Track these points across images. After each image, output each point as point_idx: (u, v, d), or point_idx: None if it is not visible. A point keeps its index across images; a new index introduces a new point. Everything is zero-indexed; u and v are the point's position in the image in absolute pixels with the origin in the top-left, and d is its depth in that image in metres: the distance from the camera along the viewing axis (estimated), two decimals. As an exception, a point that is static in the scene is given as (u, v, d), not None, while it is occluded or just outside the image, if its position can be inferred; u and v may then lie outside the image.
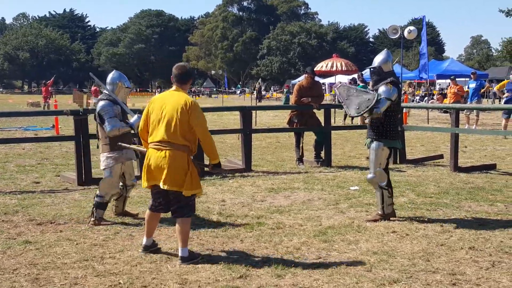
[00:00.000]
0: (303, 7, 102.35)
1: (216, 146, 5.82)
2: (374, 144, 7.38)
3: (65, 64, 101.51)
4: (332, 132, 12.73)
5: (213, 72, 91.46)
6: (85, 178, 9.87)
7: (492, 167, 11.47)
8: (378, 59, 7.51)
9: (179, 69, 5.82)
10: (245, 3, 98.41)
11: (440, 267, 5.41)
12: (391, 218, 7.31)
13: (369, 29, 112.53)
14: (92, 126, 8.44)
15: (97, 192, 7.26)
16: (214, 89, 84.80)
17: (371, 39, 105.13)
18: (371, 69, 7.59)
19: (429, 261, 5.61)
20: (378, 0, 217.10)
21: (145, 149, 6.08)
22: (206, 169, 6.20)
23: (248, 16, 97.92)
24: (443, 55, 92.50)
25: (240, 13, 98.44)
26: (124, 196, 7.56)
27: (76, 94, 48.69)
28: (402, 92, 27.91)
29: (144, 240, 5.97)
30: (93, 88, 45.13)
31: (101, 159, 7.31)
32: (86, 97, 42.25)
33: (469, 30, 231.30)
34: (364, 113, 7.28)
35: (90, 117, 10.63)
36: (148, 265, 5.54)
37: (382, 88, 7.27)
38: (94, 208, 7.20)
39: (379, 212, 7.35)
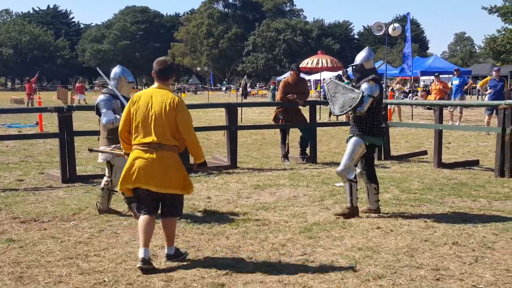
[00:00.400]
0: (288, 4, 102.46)
1: (200, 144, 5.70)
2: (353, 139, 7.45)
3: (49, 61, 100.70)
4: (318, 128, 12.77)
5: (198, 68, 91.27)
6: (70, 175, 9.83)
7: (475, 163, 11.57)
8: (360, 57, 7.60)
9: (160, 64, 5.52)
10: (230, 0, 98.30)
11: (424, 263, 5.45)
12: (376, 214, 7.38)
13: (354, 26, 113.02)
14: (77, 123, 8.41)
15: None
16: (200, 86, 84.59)
17: (356, 36, 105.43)
18: (353, 67, 7.69)
19: (413, 256, 5.65)
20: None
21: (121, 152, 5.96)
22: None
23: (234, 13, 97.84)
24: (427, 52, 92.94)
25: (226, 9, 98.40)
26: (110, 192, 7.49)
27: (60, 91, 48.37)
28: (391, 88, 28.04)
29: (141, 252, 5.29)
30: (77, 84, 44.92)
31: (100, 153, 7.29)
32: (70, 94, 42.06)
33: (453, 27, 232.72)
34: (347, 112, 7.39)
35: (75, 114, 10.61)
36: (133, 262, 5.51)
37: (364, 86, 7.36)
38: (129, 206, 7.08)
39: (348, 205, 7.35)
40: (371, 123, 7.40)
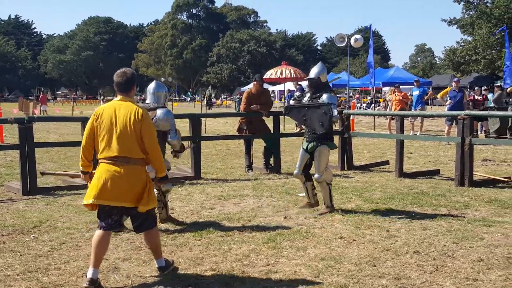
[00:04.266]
0: (253, 15, 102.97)
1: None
2: (321, 147, 8.10)
3: (10, 71, 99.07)
4: (281, 139, 12.82)
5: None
6: (30, 187, 9.67)
7: (436, 172, 11.75)
8: (315, 71, 8.41)
9: (120, 77, 5.37)
10: (194, 11, 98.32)
11: (386, 272, 5.51)
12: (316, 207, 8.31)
13: (317, 37, 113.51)
14: (38, 134, 8.28)
15: None
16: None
17: (319, 47, 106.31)
18: (311, 80, 8.41)
19: (375, 266, 5.71)
20: (325, 9, 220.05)
21: (76, 173, 5.84)
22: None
23: (198, 24, 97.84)
24: (389, 63, 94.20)
25: (190, 20, 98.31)
26: (164, 202, 7.45)
27: (22, 102, 47.61)
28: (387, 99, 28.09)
29: (90, 272, 5.07)
30: (41, 95, 44.32)
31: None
32: (32, 105, 41.43)
33: (414, 38, 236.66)
34: (330, 125, 8.12)
35: (36, 125, 10.47)
36: (95, 275, 5.45)
37: (325, 96, 8.15)
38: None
39: (328, 205, 8.19)
40: (330, 131, 8.21)
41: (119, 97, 5.41)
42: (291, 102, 8.87)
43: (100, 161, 5.27)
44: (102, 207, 5.25)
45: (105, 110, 5.32)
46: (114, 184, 5.12)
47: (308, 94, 8.51)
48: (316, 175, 8.13)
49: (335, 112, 8.09)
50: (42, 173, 7.02)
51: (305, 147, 8.27)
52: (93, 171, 5.46)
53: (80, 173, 5.71)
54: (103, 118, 5.26)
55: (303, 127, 8.28)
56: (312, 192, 8.34)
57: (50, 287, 5.16)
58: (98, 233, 5.25)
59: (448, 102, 19.32)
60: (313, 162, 8.26)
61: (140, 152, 5.24)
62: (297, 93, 8.95)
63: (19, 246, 6.51)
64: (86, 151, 5.41)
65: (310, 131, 8.18)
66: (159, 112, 7.31)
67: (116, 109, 5.28)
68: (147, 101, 7.58)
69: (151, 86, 7.66)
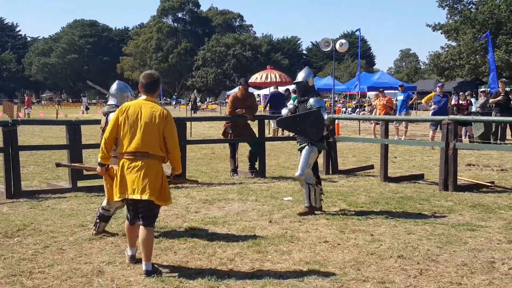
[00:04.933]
0: (238, 19, 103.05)
1: None
2: (308, 147, 8.28)
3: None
4: (267, 143, 12.85)
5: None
6: (14, 191, 9.61)
7: (420, 177, 11.81)
8: (302, 75, 8.62)
9: (147, 78, 5.75)
10: (179, 15, 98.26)
11: (370, 276, 5.53)
12: (318, 212, 8.31)
13: (302, 42, 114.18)
14: (22, 137, 8.23)
15: (103, 204, 6.94)
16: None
17: (304, 52, 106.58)
18: (299, 83, 8.64)
19: (360, 270, 5.73)
20: (310, 14, 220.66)
21: (92, 167, 5.97)
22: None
23: (183, 28, 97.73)
24: (374, 67, 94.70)
25: (175, 24, 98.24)
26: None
27: (6, 105, 47.27)
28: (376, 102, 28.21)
29: (128, 251, 5.92)
30: (26, 98, 44.05)
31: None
32: (16, 108, 41.16)
33: (398, 43, 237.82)
34: (323, 129, 8.33)
35: (20, 129, 10.40)
36: (79, 279, 5.44)
37: (313, 100, 8.37)
38: (97, 220, 6.99)
39: (307, 205, 8.27)
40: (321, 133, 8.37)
41: (144, 96, 5.74)
42: (283, 112, 8.99)
43: (119, 156, 5.59)
44: (126, 200, 5.69)
45: (131, 107, 5.63)
46: (132, 177, 5.46)
47: (296, 100, 8.75)
48: (297, 173, 8.33)
49: (326, 116, 8.33)
50: (57, 165, 6.97)
51: (299, 150, 8.53)
52: (110, 166, 5.83)
53: (96, 165, 5.94)
54: (129, 114, 5.58)
55: (279, 134, 8.42)
56: (319, 196, 8.39)
57: (34, 291, 5.12)
58: (127, 224, 5.88)
59: (432, 107, 19.44)
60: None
61: (159, 150, 5.57)
62: (291, 106, 8.98)
63: (2, 250, 6.46)
64: (108, 143, 5.68)
65: (299, 135, 8.39)
66: (109, 117, 6.84)
67: (142, 107, 5.61)
68: (109, 102, 7.25)
69: (114, 86, 7.33)
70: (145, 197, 5.45)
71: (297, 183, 10.78)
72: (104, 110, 7.24)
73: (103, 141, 5.72)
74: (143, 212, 5.60)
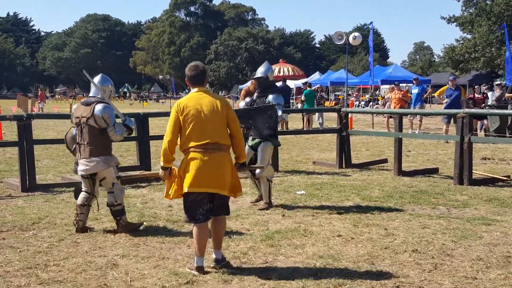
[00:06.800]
0: (250, 13, 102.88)
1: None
2: (263, 144, 8.33)
3: (9, 69, 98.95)
4: (279, 137, 12.78)
5: (160, 77, 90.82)
6: (29, 184, 9.68)
7: (434, 171, 11.75)
8: (262, 70, 8.74)
9: (194, 70, 5.59)
10: (192, 8, 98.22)
11: (384, 270, 5.51)
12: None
13: (315, 35, 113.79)
14: (37, 131, 8.26)
15: (115, 201, 6.92)
16: (162, 94, 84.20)
17: (317, 45, 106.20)
18: (259, 79, 8.71)
19: (374, 264, 5.71)
20: (323, 7, 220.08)
21: (152, 173, 5.88)
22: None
23: (196, 22, 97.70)
24: (387, 61, 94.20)
25: (187, 18, 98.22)
26: (89, 208, 7.09)
27: (20, 99, 47.59)
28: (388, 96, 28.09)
29: (198, 261, 5.46)
30: (39, 92, 44.26)
31: (88, 163, 6.80)
32: (30, 102, 41.41)
33: (412, 36, 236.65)
34: (276, 126, 8.42)
35: (34, 123, 10.45)
36: (93, 272, 5.46)
37: (272, 96, 8.50)
38: (119, 218, 6.93)
39: (267, 201, 8.37)
40: (275, 129, 8.46)
41: (196, 89, 5.59)
42: (241, 105, 9.07)
43: (188, 150, 5.41)
44: (191, 198, 5.43)
45: (188, 102, 5.48)
46: (208, 171, 5.34)
47: (255, 94, 8.80)
48: (257, 171, 8.33)
49: (280, 112, 8.41)
50: (118, 177, 7.02)
51: (250, 144, 8.49)
52: (172, 167, 5.59)
53: (160, 170, 5.66)
54: (188, 109, 5.43)
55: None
56: (258, 186, 8.59)
57: (49, 283, 5.15)
58: (196, 228, 5.49)
59: (445, 101, 19.31)
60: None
61: (228, 139, 5.52)
62: (247, 99, 8.97)
63: (18, 243, 6.51)
64: (172, 145, 5.49)
65: (252, 129, 8.44)
66: (96, 107, 6.84)
67: (199, 99, 5.48)
68: (90, 94, 7.15)
69: (96, 79, 7.19)
70: (224, 192, 5.48)
71: (311, 177, 10.81)
72: (87, 101, 7.05)
73: (166, 144, 5.46)
74: (221, 203, 5.58)
